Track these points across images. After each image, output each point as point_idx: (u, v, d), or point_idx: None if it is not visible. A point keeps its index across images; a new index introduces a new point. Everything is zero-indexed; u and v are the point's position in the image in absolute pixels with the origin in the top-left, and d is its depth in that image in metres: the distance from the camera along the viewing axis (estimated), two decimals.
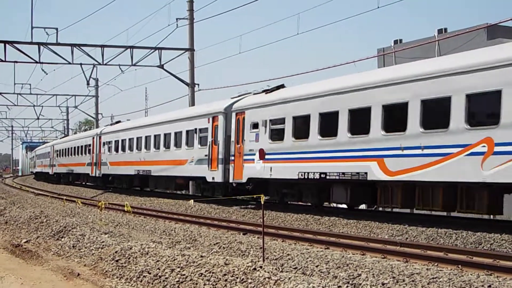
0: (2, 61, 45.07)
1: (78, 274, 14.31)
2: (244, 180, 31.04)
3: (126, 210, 25.43)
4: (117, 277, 13.61)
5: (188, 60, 48.60)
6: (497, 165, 18.79)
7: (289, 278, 11.36)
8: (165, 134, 40.83)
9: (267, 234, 18.80)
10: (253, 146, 30.38)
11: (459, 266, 14.17)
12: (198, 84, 49.23)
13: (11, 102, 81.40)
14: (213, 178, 33.82)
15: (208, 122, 34.66)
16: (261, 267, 12.02)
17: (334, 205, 29.66)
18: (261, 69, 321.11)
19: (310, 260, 14.74)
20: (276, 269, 12.27)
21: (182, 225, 24.08)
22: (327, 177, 25.60)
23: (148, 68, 52.05)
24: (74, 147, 65.41)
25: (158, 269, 13.09)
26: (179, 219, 26.82)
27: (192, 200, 22.63)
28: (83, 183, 63.62)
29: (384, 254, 16.00)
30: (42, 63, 48.46)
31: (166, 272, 12.80)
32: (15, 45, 45.12)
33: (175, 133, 39.08)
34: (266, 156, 29.45)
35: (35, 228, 21.49)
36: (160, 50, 47.99)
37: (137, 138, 45.74)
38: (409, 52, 47.19)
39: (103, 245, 16.52)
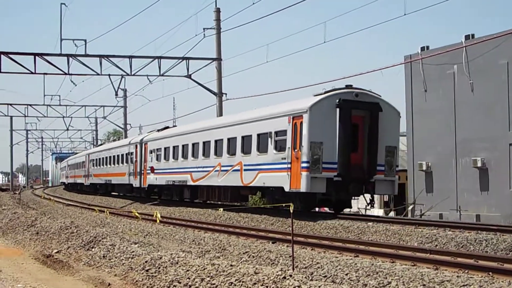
0: (32, 73, 45.39)
1: (109, 284, 14.37)
2: (146, 185, 49.29)
3: (155, 219, 25.50)
4: (147, 287, 13.65)
5: (216, 70, 48.68)
6: (222, 176, 36.15)
7: (319, 286, 11.33)
8: (115, 155, 59.98)
9: (296, 243, 18.76)
10: (150, 164, 48.24)
11: (490, 273, 14.05)
12: (225, 94, 49.25)
13: (41, 113, 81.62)
14: (135, 184, 51.98)
15: (133, 148, 53.15)
16: (291, 275, 11.99)
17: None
18: (288, 77, 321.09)
19: (340, 268, 14.69)
20: (305, 277, 12.24)
21: (211, 234, 24.05)
22: (175, 183, 43.58)
23: (176, 78, 52.24)
24: (76, 163, 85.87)
25: (188, 278, 13.10)
26: (208, 228, 26.81)
27: (221, 209, 22.98)
28: (84, 189, 78.51)
29: (414, 262, 15.89)
30: (71, 74, 48.84)
31: (196, 282, 12.80)
32: (45, 57, 45.42)
33: (120, 155, 58.22)
34: (155, 171, 47.22)
35: (65, 238, 21.60)
36: (187, 60, 48.05)
37: (104, 158, 65.31)
38: (436, 58, 46.98)
39: (133, 255, 16.58)
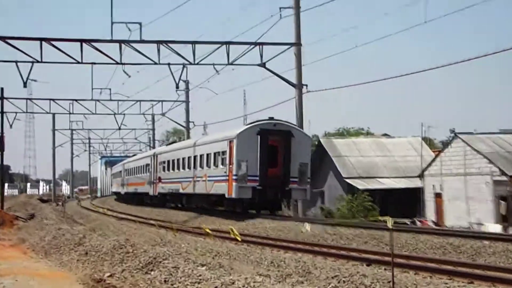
0: (78, 63, 46.14)
1: None
2: (157, 193, 65.71)
3: (233, 236, 25.61)
4: None
5: (294, 57, 48.67)
6: (197, 185, 51.17)
7: None
8: (139, 166, 77.74)
9: (397, 265, 18.54)
10: (159, 174, 64.56)
11: None
12: (306, 85, 49.27)
13: (88, 110, 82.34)
14: (150, 192, 68.54)
15: (149, 160, 70.43)
16: None
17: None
18: (380, 64, 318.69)
19: None
20: None
21: (293, 255, 24.01)
22: (172, 191, 59.20)
23: (247, 67, 52.43)
24: (117, 172, 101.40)
25: None
26: (289, 247, 26.79)
27: (307, 224, 22.94)
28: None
29: None
30: (124, 64, 49.43)
31: None
32: (93, 44, 46.03)
33: (140, 166, 77.15)
34: (162, 180, 63.30)
35: (119, 259, 21.75)
36: (261, 46, 48.13)
37: (133, 168, 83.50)
38: None
39: (200, 280, 16.60)
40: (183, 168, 55.99)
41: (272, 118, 45.04)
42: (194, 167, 52.37)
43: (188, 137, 78.51)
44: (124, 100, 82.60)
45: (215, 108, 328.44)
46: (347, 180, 76.18)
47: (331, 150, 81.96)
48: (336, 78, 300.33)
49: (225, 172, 44.57)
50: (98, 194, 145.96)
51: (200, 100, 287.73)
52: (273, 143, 43.69)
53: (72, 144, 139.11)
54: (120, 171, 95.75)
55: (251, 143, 43.18)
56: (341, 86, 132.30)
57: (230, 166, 43.73)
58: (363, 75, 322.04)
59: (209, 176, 48.37)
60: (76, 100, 79.18)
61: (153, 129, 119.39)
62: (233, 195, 43.38)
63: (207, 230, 29.74)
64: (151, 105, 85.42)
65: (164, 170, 63.12)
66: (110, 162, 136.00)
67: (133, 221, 46.76)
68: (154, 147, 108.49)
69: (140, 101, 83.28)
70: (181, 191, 56.40)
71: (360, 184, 73.85)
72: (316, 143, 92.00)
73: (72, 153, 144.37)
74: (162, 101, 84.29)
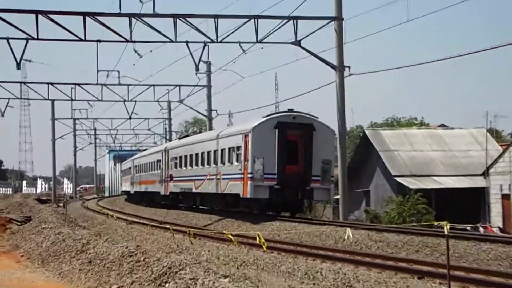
0: (81, 40, 46.06)
1: None
2: (168, 193, 68.01)
3: (259, 243, 25.65)
4: None
5: (335, 33, 48.52)
6: (211, 184, 52.79)
7: None
8: (146, 163, 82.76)
9: (454, 279, 18.53)
10: (170, 172, 66.57)
11: None
12: (348, 67, 49.10)
13: (93, 96, 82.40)
14: (161, 192, 71.03)
15: (160, 155, 72.53)
16: None
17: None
18: (438, 40, 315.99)
19: None
20: None
21: (331, 265, 24.05)
22: (185, 191, 62.10)
23: (279, 46, 52.35)
24: (127, 169, 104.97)
25: None
26: (326, 255, 26.84)
27: (349, 230, 22.90)
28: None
29: None
30: (135, 42, 49.44)
31: None
32: (98, 17, 45.99)
33: (150, 162, 79.82)
34: (174, 178, 65.12)
35: (129, 269, 21.82)
36: (295, 20, 48.01)
37: (143, 164, 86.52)
38: None
39: None
40: (196, 165, 58.27)
41: (292, 109, 46.82)
42: (208, 163, 54.61)
43: (210, 128, 78.69)
44: (135, 84, 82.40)
45: (241, 94, 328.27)
46: (397, 179, 75.64)
47: (378, 144, 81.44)
48: (384, 59, 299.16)
49: (240, 170, 46.52)
50: (106, 194, 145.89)
51: (225, 85, 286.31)
52: (293, 137, 45.63)
53: (75, 135, 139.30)
54: (130, 168, 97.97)
55: (268, 138, 45.01)
56: (389, 68, 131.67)
57: (245, 163, 45.72)
58: (417, 56, 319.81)
59: (223, 174, 50.45)
60: (79, 84, 79.16)
61: (170, 119, 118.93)
62: (248, 195, 45.39)
63: (230, 236, 29.79)
64: (166, 90, 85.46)
65: (176, 167, 65.43)
66: (119, 156, 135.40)
67: (144, 224, 46.91)
68: (170, 140, 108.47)
69: (154, 85, 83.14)
70: (194, 190, 58.91)
71: (412, 184, 73.42)
72: (361, 135, 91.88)
73: (75, 146, 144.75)
74: (179, 85, 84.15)
